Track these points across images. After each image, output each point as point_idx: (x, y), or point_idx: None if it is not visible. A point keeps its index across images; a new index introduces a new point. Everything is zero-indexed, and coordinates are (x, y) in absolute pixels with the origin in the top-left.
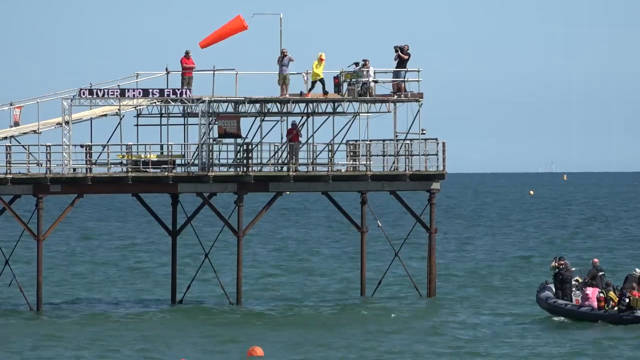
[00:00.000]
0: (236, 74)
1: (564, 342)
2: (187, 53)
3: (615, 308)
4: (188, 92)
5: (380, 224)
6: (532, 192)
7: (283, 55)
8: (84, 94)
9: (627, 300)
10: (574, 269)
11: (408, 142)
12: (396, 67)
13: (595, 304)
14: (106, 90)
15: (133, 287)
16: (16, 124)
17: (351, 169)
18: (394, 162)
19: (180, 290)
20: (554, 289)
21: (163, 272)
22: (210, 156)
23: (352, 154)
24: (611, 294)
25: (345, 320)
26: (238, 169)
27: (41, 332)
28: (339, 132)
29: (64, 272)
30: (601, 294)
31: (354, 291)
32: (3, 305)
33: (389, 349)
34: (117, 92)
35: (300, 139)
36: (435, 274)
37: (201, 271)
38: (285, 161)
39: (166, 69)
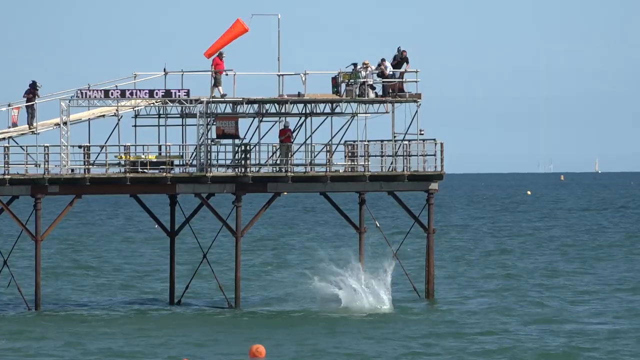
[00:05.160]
0: (234, 74)
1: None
2: (220, 54)
3: None
4: (183, 92)
5: (378, 225)
6: (529, 192)
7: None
8: (82, 95)
9: None
10: None
11: (406, 142)
12: (394, 68)
13: None
14: (104, 91)
15: (131, 287)
16: (14, 124)
17: (349, 170)
18: (392, 163)
19: (179, 291)
20: None
21: (161, 272)
22: (209, 157)
23: (350, 154)
24: None
25: (344, 320)
26: (236, 170)
27: (39, 332)
28: (337, 132)
29: (62, 271)
30: None
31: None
32: (1, 306)
33: (388, 348)
34: (117, 92)
35: (291, 140)
36: (434, 274)
37: (199, 271)
38: (279, 162)
39: (164, 70)
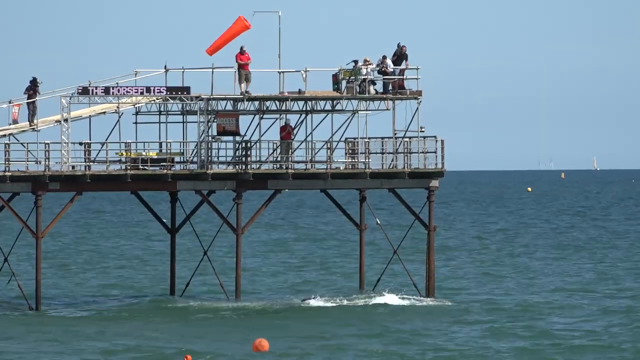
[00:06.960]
0: (235, 71)
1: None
2: (241, 49)
3: None
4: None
5: (378, 222)
6: (530, 189)
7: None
8: (81, 91)
9: None
10: None
11: (407, 139)
12: (394, 64)
13: None
14: (104, 88)
15: (132, 285)
16: (15, 121)
17: (350, 167)
18: (392, 160)
19: (180, 287)
20: None
21: (162, 269)
22: (209, 154)
23: (350, 151)
24: None
25: (345, 315)
26: (237, 167)
27: (40, 329)
28: (338, 129)
29: (63, 268)
30: None
31: (352, 287)
32: (2, 303)
33: (388, 345)
34: (115, 90)
35: (292, 137)
36: (434, 271)
37: (200, 268)
38: (279, 159)
39: (165, 67)
